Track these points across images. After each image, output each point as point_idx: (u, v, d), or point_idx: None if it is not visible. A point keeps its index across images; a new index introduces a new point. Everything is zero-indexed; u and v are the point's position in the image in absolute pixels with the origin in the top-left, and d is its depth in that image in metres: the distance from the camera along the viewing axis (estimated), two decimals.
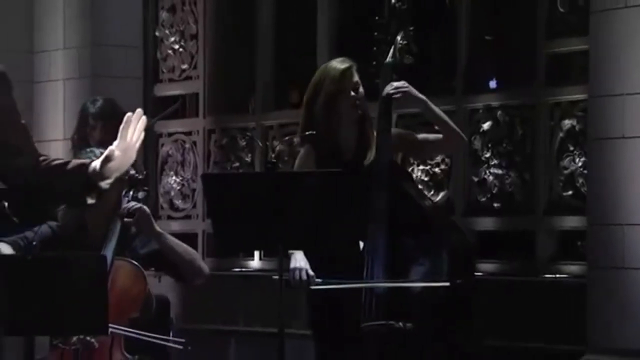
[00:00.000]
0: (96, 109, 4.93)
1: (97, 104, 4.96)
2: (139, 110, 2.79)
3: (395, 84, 3.87)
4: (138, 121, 2.78)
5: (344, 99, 3.93)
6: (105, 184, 2.74)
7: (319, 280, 3.78)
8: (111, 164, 2.71)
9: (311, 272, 3.82)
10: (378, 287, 3.74)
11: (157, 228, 3.99)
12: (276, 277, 3.54)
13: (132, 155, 2.75)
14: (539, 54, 4.53)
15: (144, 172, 4.44)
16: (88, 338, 3.79)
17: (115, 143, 2.72)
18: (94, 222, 4.00)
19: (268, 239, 3.55)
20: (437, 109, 3.94)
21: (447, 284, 3.68)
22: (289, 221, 3.49)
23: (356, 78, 3.97)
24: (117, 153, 2.71)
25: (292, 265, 3.79)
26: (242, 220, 3.56)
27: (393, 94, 3.85)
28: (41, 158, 2.81)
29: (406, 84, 3.86)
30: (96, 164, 2.72)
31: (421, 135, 4.02)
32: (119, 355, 3.83)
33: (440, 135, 3.95)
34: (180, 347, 3.93)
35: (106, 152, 2.71)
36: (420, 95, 3.89)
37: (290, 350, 3.60)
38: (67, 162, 2.85)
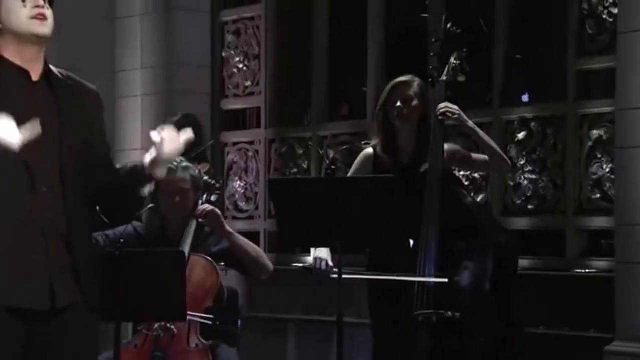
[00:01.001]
0: (174, 123, 4.96)
1: (176, 119, 4.91)
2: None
3: (449, 106, 3.84)
4: None
5: (390, 109, 3.94)
6: (160, 173, 2.73)
7: (336, 270, 3.68)
8: (160, 155, 2.70)
9: (330, 263, 3.79)
10: (401, 280, 3.71)
11: (228, 228, 4.02)
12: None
13: (178, 146, 2.72)
14: (570, 71, 4.50)
15: (221, 181, 4.50)
16: (168, 324, 3.82)
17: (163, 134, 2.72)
18: (173, 222, 4.04)
19: (327, 237, 3.53)
20: (485, 136, 3.95)
21: (446, 280, 3.67)
22: (346, 221, 3.46)
23: (410, 92, 3.94)
24: (165, 145, 2.69)
25: (315, 255, 3.80)
26: (304, 220, 3.56)
27: (445, 118, 3.83)
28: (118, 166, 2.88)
29: (458, 110, 3.84)
30: (147, 157, 2.72)
31: (473, 155, 4.01)
32: (195, 340, 3.85)
33: (487, 157, 3.95)
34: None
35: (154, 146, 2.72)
36: (471, 124, 3.89)
37: (345, 337, 3.60)
38: (127, 164, 2.89)
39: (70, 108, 2.72)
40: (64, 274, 2.70)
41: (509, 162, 4.17)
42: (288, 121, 5.60)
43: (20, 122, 2.63)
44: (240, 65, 5.68)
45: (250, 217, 5.62)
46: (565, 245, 4.52)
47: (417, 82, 3.97)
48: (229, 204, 5.69)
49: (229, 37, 5.76)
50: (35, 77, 2.72)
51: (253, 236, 5.07)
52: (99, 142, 2.84)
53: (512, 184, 4.69)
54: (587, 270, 4.44)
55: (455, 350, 3.73)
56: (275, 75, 5.61)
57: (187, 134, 2.74)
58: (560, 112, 4.55)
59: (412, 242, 3.76)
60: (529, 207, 4.64)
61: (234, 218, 5.58)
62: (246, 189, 5.66)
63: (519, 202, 4.67)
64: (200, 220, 3.97)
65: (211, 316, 3.87)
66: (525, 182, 4.65)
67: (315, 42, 5.48)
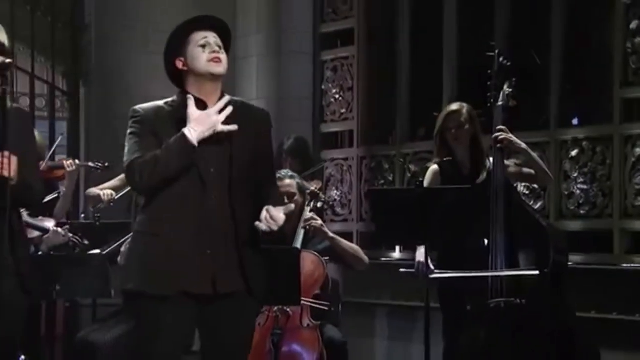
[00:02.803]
0: (288, 145, 4.99)
1: (290, 142, 5.01)
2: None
3: (503, 134, 3.81)
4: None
5: (446, 133, 4.00)
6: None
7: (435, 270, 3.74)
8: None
9: (431, 267, 3.76)
10: (480, 275, 3.69)
11: (330, 233, 4.09)
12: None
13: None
14: (616, 98, 4.48)
15: (325, 196, 4.51)
16: (285, 308, 3.91)
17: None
18: (287, 224, 4.13)
19: (415, 238, 3.61)
20: (534, 154, 3.94)
21: (537, 272, 3.61)
22: (431, 224, 3.53)
23: (461, 119, 3.98)
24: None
25: (417, 259, 3.80)
26: (396, 224, 3.63)
27: (500, 141, 3.81)
28: None
29: (511, 136, 3.82)
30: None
31: (523, 170, 3.99)
32: (306, 321, 3.94)
33: (534, 172, 3.95)
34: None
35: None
36: (523, 145, 3.88)
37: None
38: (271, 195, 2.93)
39: (242, 127, 2.77)
40: (229, 267, 2.78)
41: (552, 177, 4.13)
42: (376, 141, 5.60)
43: (205, 140, 2.72)
44: (337, 96, 5.72)
45: (345, 220, 5.62)
46: (613, 244, 4.48)
47: (465, 108, 3.99)
48: (327, 208, 5.56)
49: (328, 73, 5.80)
50: (211, 105, 2.80)
51: (347, 236, 5.03)
52: (263, 156, 2.87)
53: (566, 192, 4.65)
54: (631, 265, 4.40)
55: (522, 332, 3.68)
56: (365, 103, 5.63)
57: (288, 209, 2.80)
58: (607, 133, 4.51)
59: (486, 241, 3.73)
60: (581, 212, 4.60)
61: (332, 221, 5.59)
62: (342, 197, 5.67)
63: (572, 208, 4.63)
64: (307, 228, 4.04)
65: (327, 303, 3.94)
66: (578, 191, 4.61)
67: (398, 75, 5.50)
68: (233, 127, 2.77)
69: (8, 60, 2.70)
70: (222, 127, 2.75)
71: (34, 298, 2.91)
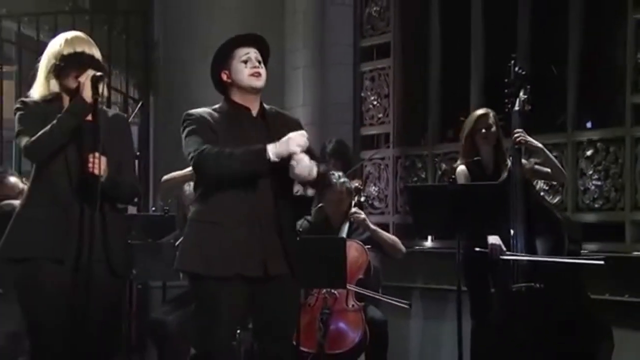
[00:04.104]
0: (330, 148, 5.01)
1: (331, 145, 5.01)
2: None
3: (521, 135, 3.83)
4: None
5: (477, 135, 4.05)
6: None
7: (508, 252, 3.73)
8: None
9: (504, 248, 3.72)
10: (535, 259, 3.67)
11: (371, 225, 4.15)
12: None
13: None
14: (627, 104, 4.47)
15: (365, 192, 4.62)
16: (332, 290, 3.98)
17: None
18: (335, 217, 4.22)
19: (449, 228, 3.64)
20: (549, 154, 3.96)
21: (602, 262, 3.57)
22: (464, 217, 3.57)
23: (489, 121, 4.03)
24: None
25: (491, 242, 3.74)
26: (432, 216, 3.68)
27: (518, 142, 3.84)
28: None
29: (528, 137, 3.84)
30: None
31: (541, 168, 4.02)
32: (351, 302, 4.01)
33: (549, 170, 3.99)
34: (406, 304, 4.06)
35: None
36: (539, 144, 3.90)
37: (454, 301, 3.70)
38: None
39: (277, 132, 2.87)
40: (275, 252, 2.86)
41: (566, 174, 4.14)
42: (410, 142, 5.61)
43: (247, 142, 2.81)
44: (374, 102, 5.73)
45: (382, 213, 5.63)
46: (624, 234, 4.48)
47: (492, 113, 4.05)
48: (366, 203, 5.58)
49: (366, 82, 5.79)
50: (254, 113, 2.92)
51: (384, 227, 5.07)
52: None
53: (582, 188, 4.65)
54: None
55: (541, 313, 3.69)
56: (400, 108, 5.64)
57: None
58: (619, 134, 4.50)
59: (512, 231, 3.74)
60: (596, 205, 4.60)
61: (370, 213, 5.51)
62: (379, 192, 5.68)
63: (587, 202, 4.63)
64: (351, 220, 4.13)
65: (381, 294, 4.00)
66: (593, 187, 4.61)
67: (429, 84, 5.51)
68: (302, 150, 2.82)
69: (99, 74, 2.80)
70: (295, 149, 2.80)
71: (123, 282, 3.01)
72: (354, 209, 4.16)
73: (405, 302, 4.00)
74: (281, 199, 2.89)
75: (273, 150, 2.79)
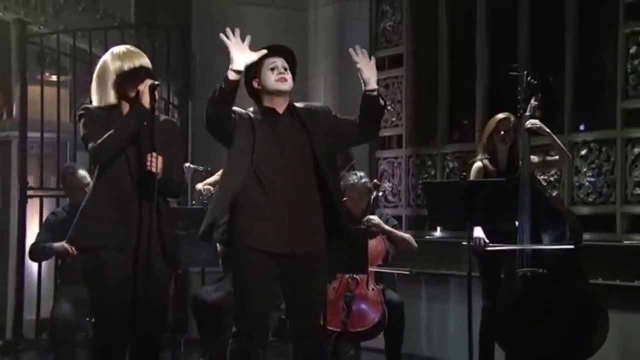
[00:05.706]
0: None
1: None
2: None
3: (532, 120, 3.91)
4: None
5: (496, 135, 4.07)
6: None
7: (490, 244, 3.82)
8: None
9: (486, 240, 3.84)
10: (525, 248, 3.75)
11: (386, 227, 4.16)
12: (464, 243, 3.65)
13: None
14: (618, 109, 4.49)
15: (382, 191, 4.62)
16: (355, 275, 4.00)
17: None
18: (355, 212, 4.20)
19: (461, 221, 3.61)
20: (556, 138, 4.00)
21: (572, 246, 3.66)
22: (474, 209, 3.56)
23: (510, 125, 4.06)
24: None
25: (475, 235, 3.82)
26: (445, 208, 3.66)
27: (531, 127, 3.90)
28: None
29: (539, 122, 3.93)
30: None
31: (548, 158, 4.06)
32: (372, 286, 4.04)
33: (557, 157, 4.02)
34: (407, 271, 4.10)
35: None
36: (547, 130, 3.97)
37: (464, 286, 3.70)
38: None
39: (311, 122, 2.94)
40: (302, 231, 2.87)
41: (570, 156, 4.18)
42: (420, 143, 5.61)
43: (277, 137, 2.89)
44: (388, 107, 5.69)
45: (396, 206, 5.64)
46: (615, 224, 4.49)
47: (512, 118, 4.07)
48: (381, 197, 5.63)
49: (381, 89, 5.23)
50: (280, 111, 2.95)
51: (397, 219, 4.98)
52: (337, 121, 3.01)
53: (577, 184, 4.67)
54: (631, 242, 4.41)
55: (545, 296, 3.72)
56: (412, 113, 5.64)
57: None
58: (611, 136, 4.52)
59: (517, 223, 3.77)
60: (590, 199, 4.61)
61: (385, 207, 5.60)
62: (393, 187, 5.69)
63: (582, 196, 4.64)
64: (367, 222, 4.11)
65: (408, 270, 4.06)
66: (587, 183, 4.62)
67: (439, 91, 5.52)
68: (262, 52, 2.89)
69: (157, 82, 2.85)
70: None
71: (174, 269, 3.04)
72: (368, 217, 4.19)
73: (406, 270, 4.03)
74: (309, 183, 2.92)
75: (231, 68, 2.80)
